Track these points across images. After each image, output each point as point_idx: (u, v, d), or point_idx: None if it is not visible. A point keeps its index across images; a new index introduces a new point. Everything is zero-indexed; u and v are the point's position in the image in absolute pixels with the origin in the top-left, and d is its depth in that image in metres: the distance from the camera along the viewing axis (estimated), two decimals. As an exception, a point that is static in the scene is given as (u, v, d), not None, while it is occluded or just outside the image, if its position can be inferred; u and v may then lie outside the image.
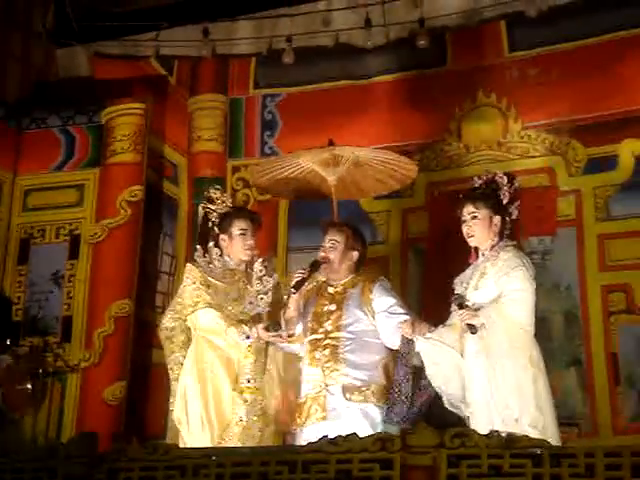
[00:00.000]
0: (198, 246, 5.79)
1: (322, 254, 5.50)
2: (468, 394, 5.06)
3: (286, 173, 6.40)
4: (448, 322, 5.20)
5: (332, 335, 5.35)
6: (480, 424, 4.77)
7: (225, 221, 5.74)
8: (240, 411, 5.46)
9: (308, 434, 5.04)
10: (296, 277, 5.39)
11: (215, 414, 5.44)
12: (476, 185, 5.39)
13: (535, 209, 6.81)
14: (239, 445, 5.33)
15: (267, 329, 5.47)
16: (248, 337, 5.49)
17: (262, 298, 5.65)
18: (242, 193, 7.76)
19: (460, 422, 5.05)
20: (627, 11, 7.04)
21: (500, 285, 5.04)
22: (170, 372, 5.74)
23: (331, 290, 5.52)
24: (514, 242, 5.27)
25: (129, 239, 7.33)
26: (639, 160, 6.89)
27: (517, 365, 4.91)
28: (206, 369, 5.50)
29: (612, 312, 6.74)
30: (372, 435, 3.83)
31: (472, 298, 5.09)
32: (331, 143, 6.17)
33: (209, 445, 5.31)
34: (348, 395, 5.20)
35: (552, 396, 5.01)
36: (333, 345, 5.32)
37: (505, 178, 5.32)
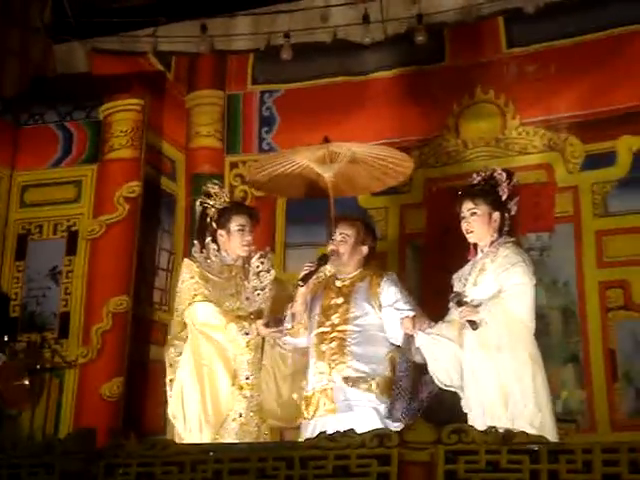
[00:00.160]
0: (195, 241, 5.78)
1: (332, 247, 5.51)
2: (466, 390, 5.07)
3: (282, 170, 6.38)
4: (447, 318, 5.20)
5: (339, 328, 5.36)
6: (478, 420, 4.77)
7: (223, 217, 5.73)
8: (239, 407, 5.46)
9: (316, 426, 5.05)
10: (304, 270, 5.39)
11: (212, 409, 5.44)
12: (475, 181, 5.39)
13: (533, 205, 6.82)
14: (236, 441, 5.33)
15: (267, 325, 5.48)
16: (247, 333, 5.50)
17: (259, 294, 5.65)
18: (240, 189, 7.75)
19: (458, 418, 5.05)
20: (625, 7, 7.03)
21: (500, 281, 5.04)
22: (168, 367, 5.75)
23: (339, 283, 5.53)
24: (513, 239, 5.27)
25: (127, 235, 7.33)
26: (637, 156, 6.89)
27: (517, 361, 4.91)
28: (203, 364, 5.50)
29: (610, 308, 6.74)
30: (370, 431, 3.83)
31: (471, 294, 5.10)
32: (326, 140, 6.16)
33: (205, 441, 5.31)
34: (351, 384, 5.21)
35: (550, 392, 5.01)
36: (340, 338, 5.33)
37: (504, 174, 5.32)
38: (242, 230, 5.69)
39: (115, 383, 6.94)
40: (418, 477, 3.65)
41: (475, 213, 5.22)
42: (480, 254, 5.25)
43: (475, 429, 3.74)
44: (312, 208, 6.82)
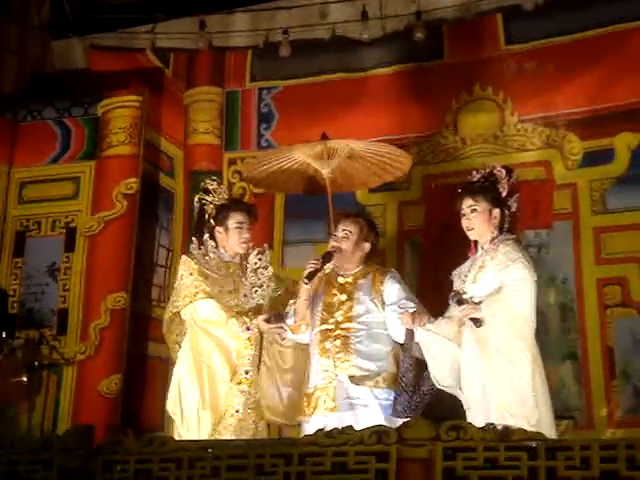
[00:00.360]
0: (194, 238, 5.78)
1: (334, 244, 5.50)
2: (464, 387, 5.07)
3: (279, 166, 6.39)
4: (447, 314, 5.21)
5: (343, 326, 5.36)
6: (476, 417, 4.78)
7: (221, 213, 5.72)
8: (237, 403, 5.47)
9: (316, 424, 5.02)
10: (309, 268, 5.38)
11: (210, 406, 5.44)
12: (475, 179, 5.39)
13: (531, 202, 6.81)
14: (234, 437, 5.33)
15: (268, 321, 5.48)
16: (248, 329, 5.50)
17: (257, 291, 5.65)
18: (238, 186, 7.75)
19: (456, 415, 5.06)
20: (623, 4, 7.03)
21: (500, 277, 5.04)
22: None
23: (341, 280, 5.52)
24: (514, 236, 5.27)
25: (125, 232, 7.32)
26: (635, 153, 6.89)
27: (516, 358, 4.91)
28: (202, 361, 5.50)
29: (608, 305, 6.74)
30: (368, 428, 3.84)
31: (470, 291, 5.10)
32: (324, 136, 6.17)
33: (203, 437, 5.32)
34: (357, 381, 5.22)
35: (548, 389, 5.02)
36: (344, 336, 5.33)
37: (504, 171, 5.33)
38: (240, 227, 5.69)
39: (113, 380, 6.94)
40: (416, 474, 3.65)
41: (475, 210, 5.22)
42: (480, 251, 5.25)
43: (473, 426, 3.75)
44: (310, 205, 6.83)
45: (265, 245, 5.85)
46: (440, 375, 5.15)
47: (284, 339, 5.60)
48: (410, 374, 5.18)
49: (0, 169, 7.66)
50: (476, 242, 5.29)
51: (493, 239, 5.21)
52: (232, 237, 5.69)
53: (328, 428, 4.01)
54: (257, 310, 5.60)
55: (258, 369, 5.57)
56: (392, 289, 5.43)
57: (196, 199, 5.85)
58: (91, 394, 6.92)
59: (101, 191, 7.43)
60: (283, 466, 3.78)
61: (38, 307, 7.34)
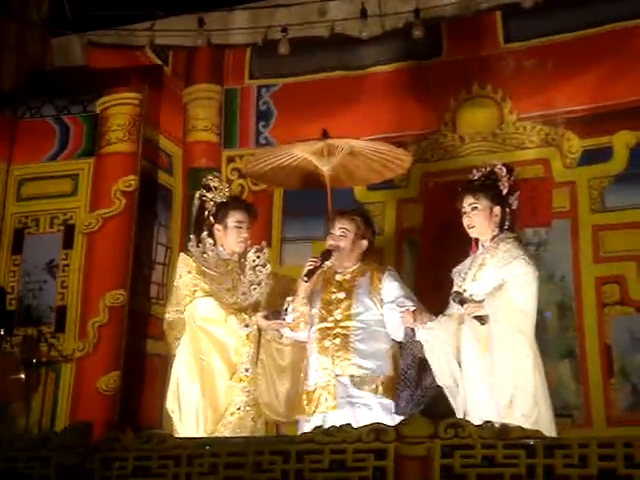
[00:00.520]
0: (192, 236, 5.78)
1: (332, 242, 5.50)
2: (465, 384, 5.07)
3: (279, 162, 6.41)
4: (447, 311, 5.22)
5: (342, 324, 5.36)
6: (475, 414, 4.78)
7: (221, 211, 5.71)
8: (238, 400, 5.46)
9: (317, 422, 5.01)
10: (308, 266, 5.38)
11: (209, 404, 5.44)
12: (475, 177, 5.40)
13: (530, 200, 6.81)
14: (232, 435, 5.33)
15: (267, 317, 5.47)
16: (247, 326, 5.50)
17: (255, 288, 5.65)
18: (237, 184, 7.74)
19: (455, 412, 5.07)
20: (622, 2, 7.03)
21: (500, 275, 5.05)
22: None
23: (339, 278, 5.52)
24: (515, 234, 5.28)
25: (123, 229, 7.32)
26: (634, 152, 6.89)
27: (517, 354, 4.92)
28: (201, 359, 5.50)
29: (606, 304, 6.75)
30: (366, 425, 3.84)
31: (470, 289, 5.11)
32: (325, 133, 6.18)
33: (202, 434, 5.32)
34: (358, 386, 5.22)
35: (547, 387, 5.03)
36: (343, 334, 5.33)
37: (504, 169, 5.34)
38: (239, 227, 5.68)
39: (111, 377, 6.94)
40: (414, 471, 3.66)
41: (476, 208, 5.23)
42: (481, 249, 5.26)
43: (471, 424, 3.75)
44: (309, 202, 6.83)
45: (263, 242, 5.84)
46: (440, 374, 5.15)
47: (282, 337, 5.60)
48: (412, 370, 5.19)
49: (-1, 166, 7.68)
50: (477, 240, 5.29)
51: (494, 237, 5.22)
52: (230, 236, 5.68)
53: (327, 425, 4.02)
54: (255, 307, 5.60)
55: (257, 366, 5.57)
56: (390, 287, 5.44)
57: (197, 195, 5.84)
58: (89, 391, 6.92)
59: (100, 188, 7.43)
60: (281, 463, 3.78)
61: (36, 304, 7.34)
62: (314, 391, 5.32)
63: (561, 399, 6.38)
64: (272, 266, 5.82)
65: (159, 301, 7.50)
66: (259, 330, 5.56)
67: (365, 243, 5.57)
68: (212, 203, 5.74)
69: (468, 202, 5.26)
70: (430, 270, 6.95)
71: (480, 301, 5.01)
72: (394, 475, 3.65)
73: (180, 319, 5.66)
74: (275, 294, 5.66)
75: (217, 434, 5.34)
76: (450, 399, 5.17)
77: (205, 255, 5.67)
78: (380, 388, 5.23)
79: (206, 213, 5.73)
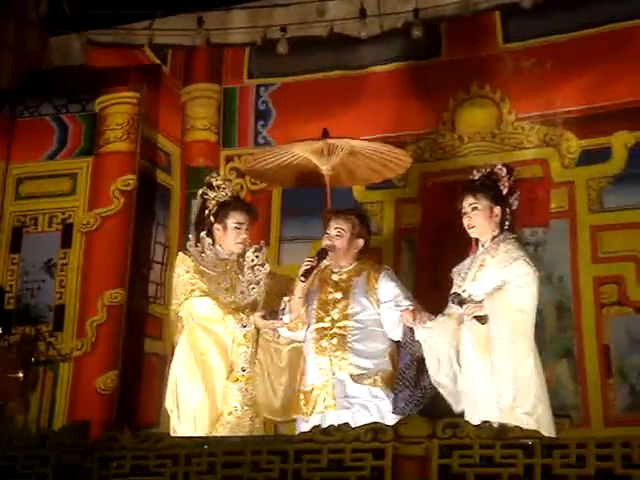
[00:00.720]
0: (190, 235, 5.78)
1: (327, 242, 5.50)
2: (464, 383, 5.07)
3: (279, 161, 6.42)
4: (446, 311, 5.22)
5: (339, 324, 5.36)
6: (475, 414, 4.78)
7: (221, 211, 5.70)
8: (235, 400, 5.46)
9: (315, 422, 5.01)
10: (305, 265, 5.38)
11: (208, 403, 5.43)
12: (476, 177, 5.40)
13: (528, 200, 6.81)
14: (230, 434, 5.33)
15: (264, 317, 5.47)
16: (244, 325, 5.50)
17: (253, 288, 5.65)
18: (235, 183, 7.72)
19: (452, 412, 5.07)
20: (622, 3, 7.03)
21: (501, 276, 5.05)
22: None
23: (335, 277, 5.52)
24: (515, 235, 5.29)
25: (122, 228, 7.32)
26: (632, 152, 6.89)
27: (518, 353, 4.93)
28: (199, 358, 5.50)
29: (604, 304, 6.74)
30: (364, 425, 3.84)
31: (470, 289, 5.11)
32: (325, 132, 6.18)
33: (200, 434, 5.31)
34: (357, 381, 5.22)
35: (546, 387, 5.04)
36: (341, 334, 5.33)
37: (504, 169, 5.35)
38: (238, 228, 5.67)
39: (110, 376, 6.94)
40: (412, 471, 3.66)
41: (476, 208, 5.23)
42: (481, 249, 5.26)
43: (469, 423, 3.76)
44: (308, 202, 6.82)
45: (262, 242, 5.84)
46: (436, 373, 5.15)
47: (279, 336, 5.60)
48: (410, 370, 5.19)
49: (-3, 165, 7.67)
50: (477, 240, 5.29)
51: (494, 237, 5.23)
52: (229, 236, 5.68)
53: (325, 425, 4.02)
54: (253, 307, 5.60)
55: (254, 365, 5.56)
56: (387, 286, 5.44)
57: (199, 192, 5.83)
58: (87, 390, 6.92)
59: (98, 187, 7.43)
60: (279, 463, 3.79)
61: (34, 303, 7.34)
62: (311, 391, 5.32)
63: (559, 399, 6.38)
64: (270, 265, 5.81)
65: (157, 300, 7.50)
66: (257, 330, 5.56)
67: (361, 242, 5.57)
68: (214, 202, 5.74)
69: (468, 202, 5.26)
70: (428, 270, 6.96)
71: (479, 301, 5.02)
72: (392, 475, 3.65)
73: (177, 318, 5.66)
74: (273, 294, 5.66)
75: (215, 433, 5.34)
76: (447, 399, 5.18)
77: (203, 254, 5.67)
78: (379, 381, 5.23)
79: (206, 212, 5.73)
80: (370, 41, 7.77)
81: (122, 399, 7.00)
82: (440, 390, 5.18)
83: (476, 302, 5.02)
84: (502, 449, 3.61)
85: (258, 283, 5.65)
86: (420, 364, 5.19)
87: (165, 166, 7.95)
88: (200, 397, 5.43)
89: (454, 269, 5.35)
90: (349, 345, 5.30)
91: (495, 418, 4.28)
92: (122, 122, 7.50)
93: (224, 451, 3.90)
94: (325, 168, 6.23)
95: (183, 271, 5.61)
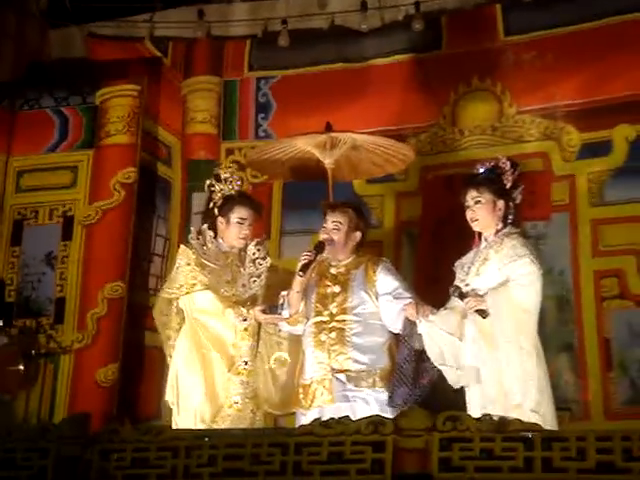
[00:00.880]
0: (192, 227, 5.78)
1: (325, 236, 5.49)
2: (467, 377, 5.07)
3: (282, 154, 6.42)
4: (449, 305, 5.21)
5: (338, 318, 5.36)
6: (479, 409, 4.78)
7: (226, 205, 5.70)
8: (236, 393, 5.46)
9: (314, 416, 5.00)
10: (302, 260, 5.37)
11: (208, 396, 5.44)
12: (480, 171, 5.40)
13: (529, 194, 6.78)
14: (231, 427, 5.33)
15: (264, 311, 5.47)
16: (245, 319, 5.50)
17: (255, 281, 5.65)
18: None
19: (454, 405, 5.06)
20: (623, -4, 7.03)
21: (505, 272, 5.05)
22: (168, 358, 5.74)
23: (333, 271, 5.52)
24: (519, 229, 5.29)
25: (122, 221, 7.32)
26: (633, 145, 6.88)
27: (522, 351, 4.93)
28: (199, 351, 5.50)
29: (605, 297, 6.74)
30: (364, 418, 3.84)
31: (473, 283, 5.10)
32: (329, 126, 6.18)
33: (200, 426, 5.32)
34: (355, 382, 5.22)
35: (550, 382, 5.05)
36: (339, 328, 5.33)
37: (508, 163, 5.34)
38: (241, 223, 5.66)
39: (110, 369, 6.94)
40: (413, 464, 3.66)
41: (479, 201, 5.23)
42: (484, 243, 5.25)
43: (470, 416, 3.76)
44: (309, 195, 6.81)
45: (263, 235, 5.84)
46: (442, 366, 5.15)
47: (280, 330, 5.60)
48: (409, 365, 5.18)
49: (-2, 158, 7.67)
50: (480, 233, 5.29)
51: (497, 231, 5.22)
52: (232, 231, 5.67)
53: (325, 418, 4.02)
54: (254, 301, 5.59)
55: (256, 359, 5.57)
56: (386, 279, 5.43)
57: (207, 184, 5.82)
58: (88, 383, 6.92)
59: (99, 180, 7.42)
60: (280, 455, 3.79)
61: (35, 296, 7.34)
62: (310, 385, 5.32)
63: (560, 393, 6.37)
64: (271, 258, 5.82)
65: (157, 293, 7.49)
66: (259, 324, 5.56)
67: (359, 235, 5.56)
68: (219, 195, 5.73)
69: (471, 196, 5.26)
70: (429, 263, 6.96)
71: (481, 295, 5.02)
72: (392, 467, 3.65)
73: (174, 309, 5.66)
74: (274, 287, 5.66)
75: (215, 426, 5.34)
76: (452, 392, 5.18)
77: (205, 247, 5.67)
78: (378, 381, 5.23)
79: (211, 204, 5.73)
80: (371, 34, 7.76)
81: (122, 392, 7.01)
82: (451, 384, 5.19)
83: (478, 296, 5.01)
84: (502, 442, 3.61)
85: (259, 276, 5.65)
86: (419, 359, 5.19)
87: (166, 159, 7.95)
88: (201, 390, 5.44)
89: (457, 262, 5.34)
90: (348, 339, 5.30)
91: (497, 412, 4.28)
92: (123, 115, 7.50)
93: (225, 444, 3.89)
94: (328, 162, 6.23)
95: (184, 263, 5.61)
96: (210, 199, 5.76)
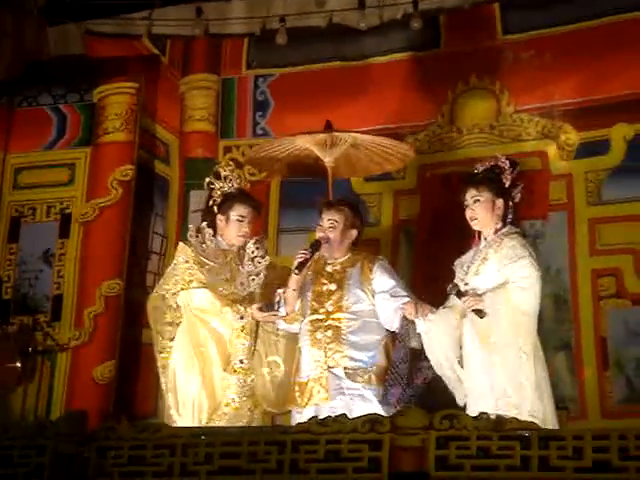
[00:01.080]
0: (191, 225, 5.78)
1: (321, 234, 5.49)
2: (466, 377, 5.07)
3: (281, 152, 6.42)
4: (448, 304, 5.21)
5: (334, 316, 5.36)
6: (475, 407, 4.78)
7: (226, 203, 5.70)
8: (232, 392, 5.47)
9: (310, 414, 5.01)
10: (298, 258, 5.37)
11: (206, 394, 5.44)
12: (479, 170, 5.40)
13: (526, 193, 6.78)
14: (229, 425, 5.33)
15: (261, 309, 5.47)
16: (242, 317, 5.50)
17: (253, 279, 5.65)
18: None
19: (452, 404, 5.07)
20: (621, -5, 7.03)
21: (505, 272, 5.05)
22: (157, 354, 5.73)
23: (329, 269, 5.52)
24: (518, 229, 5.29)
25: (120, 218, 7.31)
26: (631, 144, 6.88)
27: (519, 353, 4.94)
28: (197, 349, 5.50)
29: (602, 296, 6.74)
30: (361, 416, 3.85)
31: (472, 283, 5.10)
32: (329, 125, 6.18)
33: (198, 424, 5.32)
34: (351, 378, 5.22)
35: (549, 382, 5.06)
36: (335, 326, 5.34)
37: (507, 162, 5.35)
38: (241, 221, 5.67)
39: (107, 366, 6.94)
40: (409, 462, 3.67)
41: (478, 200, 5.24)
42: (483, 242, 5.25)
43: (467, 415, 3.77)
44: (306, 193, 6.80)
45: (262, 234, 5.85)
46: (439, 365, 5.15)
47: (277, 329, 5.60)
48: (403, 365, 5.19)
49: (-5, 155, 7.66)
50: (479, 233, 5.29)
51: (497, 230, 5.23)
52: (231, 228, 5.68)
53: (321, 416, 4.02)
54: (251, 299, 5.59)
55: (253, 357, 5.57)
56: (382, 277, 5.44)
57: (206, 181, 5.82)
58: (85, 380, 6.92)
59: (96, 177, 7.42)
60: (276, 454, 3.79)
61: (32, 293, 7.34)
62: (306, 383, 5.33)
63: (556, 391, 6.37)
64: (268, 256, 5.81)
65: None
66: (257, 322, 5.56)
67: (354, 233, 5.57)
68: (219, 193, 5.73)
69: (471, 194, 5.27)
70: (426, 262, 6.95)
71: (479, 295, 5.01)
72: (389, 466, 3.66)
73: (165, 305, 5.65)
74: (273, 285, 5.66)
75: (213, 425, 5.34)
76: (452, 391, 5.18)
77: (204, 245, 5.67)
78: (373, 378, 5.24)
79: (211, 202, 5.72)
80: (369, 32, 7.75)
81: (120, 389, 7.00)
82: (445, 381, 5.19)
83: (476, 295, 5.01)
84: (499, 441, 3.61)
85: (258, 274, 5.65)
86: (415, 359, 5.19)
87: (163, 156, 7.94)
88: (198, 388, 5.44)
89: (456, 261, 5.35)
90: (344, 337, 5.31)
91: (495, 410, 4.28)
92: (120, 112, 7.49)
93: (222, 442, 3.90)
94: (328, 160, 6.23)
95: (182, 260, 5.61)
96: (209, 197, 5.76)
